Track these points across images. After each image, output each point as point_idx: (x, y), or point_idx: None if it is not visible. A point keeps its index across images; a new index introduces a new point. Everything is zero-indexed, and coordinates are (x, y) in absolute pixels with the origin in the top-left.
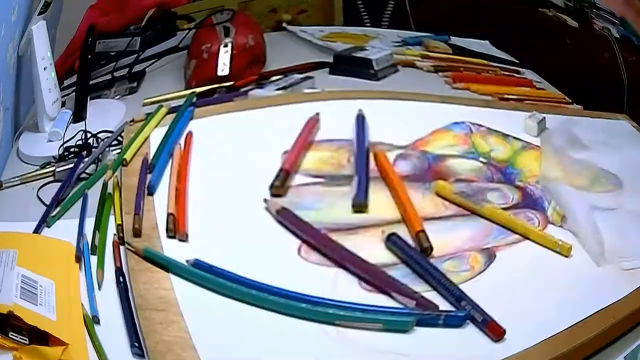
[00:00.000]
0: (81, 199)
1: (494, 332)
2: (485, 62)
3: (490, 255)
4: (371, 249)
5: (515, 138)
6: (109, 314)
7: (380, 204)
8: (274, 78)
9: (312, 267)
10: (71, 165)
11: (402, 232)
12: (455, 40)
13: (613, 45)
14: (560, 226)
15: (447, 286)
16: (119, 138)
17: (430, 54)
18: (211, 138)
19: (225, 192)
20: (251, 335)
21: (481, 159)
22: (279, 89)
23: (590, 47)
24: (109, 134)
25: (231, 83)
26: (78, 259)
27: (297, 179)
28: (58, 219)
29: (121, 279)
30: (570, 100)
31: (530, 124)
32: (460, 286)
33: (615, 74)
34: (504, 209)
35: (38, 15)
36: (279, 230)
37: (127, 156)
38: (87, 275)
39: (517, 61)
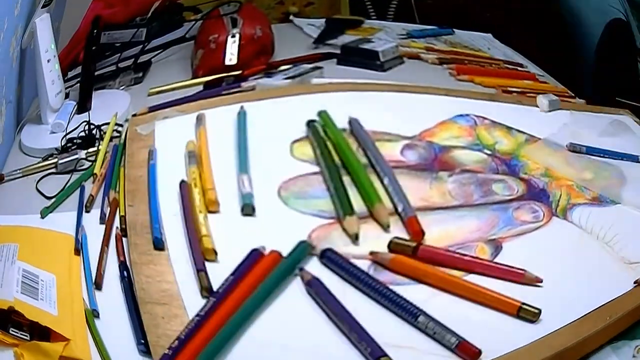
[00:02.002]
0: (78, 190)
1: (467, 353)
2: (488, 55)
3: (496, 247)
4: (379, 238)
5: (518, 131)
6: (111, 309)
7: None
8: (282, 68)
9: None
10: (73, 157)
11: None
12: (459, 33)
13: None
14: (564, 219)
15: (402, 304)
16: (119, 129)
17: (435, 46)
18: (221, 129)
19: (234, 183)
20: (253, 328)
21: (486, 150)
22: (287, 79)
23: None
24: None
25: (239, 72)
26: (77, 252)
27: (307, 168)
28: (51, 211)
29: (125, 274)
30: (574, 94)
31: (543, 100)
32: (467, 277)
33: None
34: (510, 200)
35: (42, 8)
36: (289, 224)
37: (97, 171)
38: (86, 269)
39: (520, 55)
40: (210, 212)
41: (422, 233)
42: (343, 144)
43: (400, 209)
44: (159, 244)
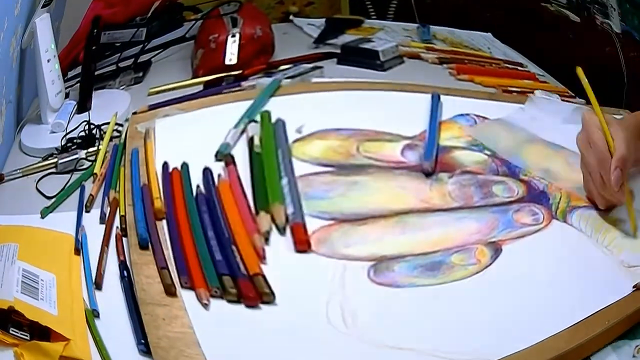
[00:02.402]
0: (78, 190)
1: None
2: (488, 54)
3: (496, 249)
4: (379, 239)
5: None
6: (111, 309)
7: (390, 194)
8: (282, 67)
9: (321, 259)
10: (73, 157)
11: (413, 223)
12: (459, 33)
13: (614, 41)
14: (564, 221)
15: None
16: (119, 128)
17: (435, 46)
18: (221, 126)
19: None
20: (257, 329)
21: (486, 151)
22: (287, 78)
23: (591, 41)
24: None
25: (239, 72)
26: (77, 252)
27: (307, 168)
28: (51, 211)
29: (125, 274)
30: (573, 94)
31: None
32: (467, 280)
33: (617, 69)
34: (510, 202)
35: (42, 8)
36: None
37: (97, 170)
38: (86, 269)
39: (520, 54)
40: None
41: (308, 243)
42: (268, 145)
43: (289, 211)
44: (144, 243)
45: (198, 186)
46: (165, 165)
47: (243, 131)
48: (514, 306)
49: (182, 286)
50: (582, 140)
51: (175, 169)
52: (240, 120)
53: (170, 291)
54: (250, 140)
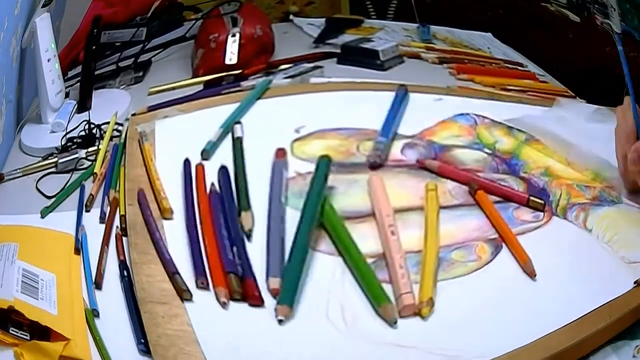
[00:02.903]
0: (78, 190)
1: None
2: (488, 54)
3: (496, 246)
4: (379, 237)
5: (519, 130)
6: (111, 309)
7: (390, 192)
8: (282, 67)
9: (320, 256)
10: (73, 157)
11: (412, 221)
12: (458, 33)
13: (614, 41)
14: (564, 218)
15: None
16: (119, 128)
17: (435, 45)
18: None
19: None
20: (256, 327)
21: (486, 150)
22: (287, 78)
23: (591, 41)
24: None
25: (239, 71)
26: (77, 251)
27: (307, 167)
28: (51, 210)
29: (125, 273)
30: (574, 94)
31: None
32: (467, 277)
33: (617, 69)
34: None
35: (42, 7)
36: (289, 218)
37: (97, 170)
38: (86, 269)
39: (520, 54)
40: (165, 219)
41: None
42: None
43: None
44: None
45: (212, 184)
46: (187, 162)
47: (227, 132)
48: (514, 303)
49: (197, 287)
50: (621, 110)
51: (199, 164)
52: (227, 120)
53: (185, 297)
54: (236, 141)
